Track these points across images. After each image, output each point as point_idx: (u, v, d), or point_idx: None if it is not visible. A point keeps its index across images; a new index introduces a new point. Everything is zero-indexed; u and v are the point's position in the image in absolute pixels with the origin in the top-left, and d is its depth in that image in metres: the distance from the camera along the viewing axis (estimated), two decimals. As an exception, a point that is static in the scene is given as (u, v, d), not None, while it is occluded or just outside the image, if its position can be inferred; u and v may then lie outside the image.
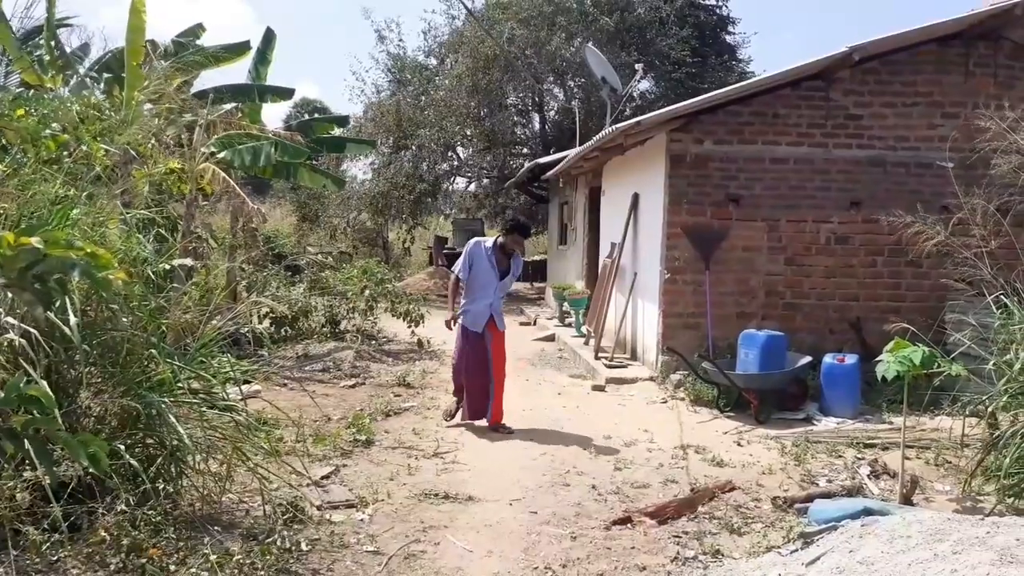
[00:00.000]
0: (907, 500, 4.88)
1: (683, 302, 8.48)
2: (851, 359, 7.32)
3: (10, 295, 1.91)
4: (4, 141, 4.47)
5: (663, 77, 19.62)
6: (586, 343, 10.83)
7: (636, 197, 9.71)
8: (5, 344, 3.81)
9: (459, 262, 6.88)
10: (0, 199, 4.09)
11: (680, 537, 4.43)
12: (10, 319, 3.64)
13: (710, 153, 8.36)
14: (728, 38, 21.16)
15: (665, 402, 7.89)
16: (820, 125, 8.38)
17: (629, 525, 4.62)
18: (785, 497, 4.97)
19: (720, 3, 20.91)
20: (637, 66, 15.15)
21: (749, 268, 8.48)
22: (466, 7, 17.95)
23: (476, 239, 7.11)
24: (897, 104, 8.43)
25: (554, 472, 5.62)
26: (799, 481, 5.45)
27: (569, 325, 12.79)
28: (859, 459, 5.93)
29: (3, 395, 1.91)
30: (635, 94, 19.24)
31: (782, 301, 8.52)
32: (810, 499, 4.86)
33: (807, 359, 7.49)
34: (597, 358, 9.63)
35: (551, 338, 12.25)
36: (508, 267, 6.86)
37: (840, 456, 6.04)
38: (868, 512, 4.19)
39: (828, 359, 7.37)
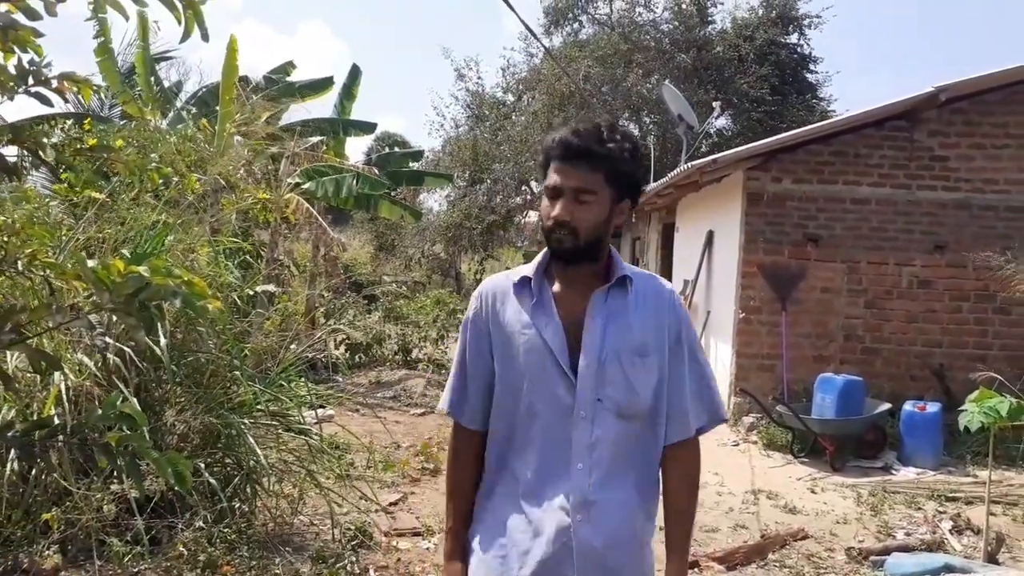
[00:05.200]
0: (992, 558, 4.65)
1: (758, 343, 8.32)
2: (933, 407, 7.05)
3: (115, 318, 2.05)
4: (109, 171, 4.77)
5: (741, 115, 19.45)
6: (656, 381, 10.70)
7: (711, 234, 9.62)
8: (100, 362, 4.05)
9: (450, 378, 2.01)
10: (103, 225, 4.37)
11: (749, 584, 4.34)
12: (107, 339, 3.87)
13: (788, 192, 8.24)
14: (810, 76, 20.83)
15: (737, 445, 7.73)
16: (904, 166, 8.18)
17: (696, 570, 4.54)
18: (860, 548, 4.80)
19: (802, 41, 20.67)
20: (714, 104, 15.08)
21: (827, 310, 8.28)
22: (544, 47, 18.23)
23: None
24: (986, 146, 8.17)
25: (620, 511, 5.56)
26: (875, 532, 5.26)
27: (639, 362, 12.66)
28: (940, 512, 5.68)
29: (101, 412, 2.04)
30: (712, 131, 19.14)
31: (861, 345, 8.28)
32: (887, 552, 4.69)
33: (886, 406, 7.24)
34: (667, 396, 9.49)
35: (620, 374, 12.14)
36: (634, 323, 1.84)
37: (920, 508, 5.80)
38: (949, 569, 4.03)
39: (908, 407, 7.11)
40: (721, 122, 20.15)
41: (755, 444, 7.66)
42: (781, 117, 18.46)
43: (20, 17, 1.87)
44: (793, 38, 20.52)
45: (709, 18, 20.32)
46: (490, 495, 1.91)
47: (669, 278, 12.27)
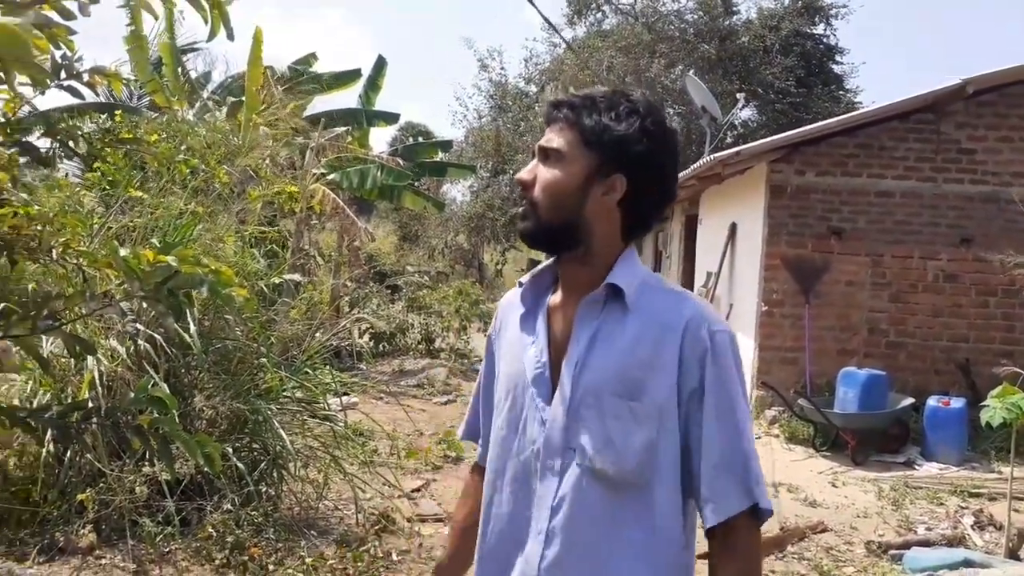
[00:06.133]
0: (1013, 554, 4.64)
1: (780, 336, 8.30)
2: (957, 403, 7.00)
3: (145, 305, 2.12)
4: (139, 162, 4.88)
5: (766, 106, 19.31)
6: (677, 373, 10.69)
7: (734, 227, 9.59)
8: (132, 349, 4.16)
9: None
10: (133, 216, 4.47)
11: None
12: (139, 326, 3.97)
13: (812, 184, 8.20)
14: (836, 68, 20.62)
15: (759, 438, 7.72)
16: (929, 159, 8.10)
17: (714, 559, 4.57)
18: (880, 542, 4.81)
19: (828, 32, 20.45)
20: (738, 95, 14.99)
21: (851, 303, 8.24)
22: (563, 39, 18.22)
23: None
24: (1014, 139, 8.06)
25: (640, 501, 5.60)
26: (896, 527, 5.26)
27: (661, 354, 12.64)
28: (962, 508, 5.66)
29: (134, 395, 2.12)
30: (736, 122, 19.01)
31: (885, 339, 8.23)
32: (907, 546, 4.70)
33: (909, 400, 7.20)
34: (688, 388, 9.49)
35: (642, 366, 12.15)
36: (626, 354, 1.37)
37: (942, 504, 5.79)
38: (968, 564, 4.04)
39: (932, 401, 7.07)
40: (746, 113, 20.02)
41: (776, 437, 7.66)
42: (806, 108, 18.30)
43: (55, 16, 1.94)
44: (819, 29, 20.32)
45: (734, 8, 20.18)
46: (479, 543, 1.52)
47: (692, 270, 12.23)
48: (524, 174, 1.44)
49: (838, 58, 20.56)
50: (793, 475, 6.41)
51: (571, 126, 1.40)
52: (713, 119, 12.68)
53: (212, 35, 1.98)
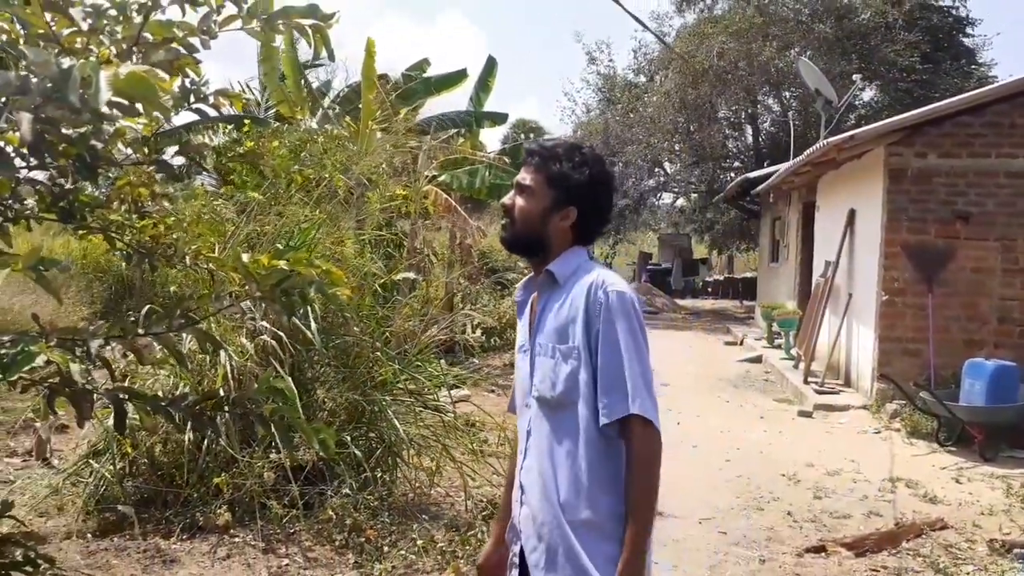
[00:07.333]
0: None
1: (902, 326, 7.97)
2: (1101, 396, 6.54)
3: (264, 305, 2.37)
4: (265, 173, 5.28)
5: (888, 85, 18.35)
6: (795, 366, 10.43)
7: (852, 213, 9.26)
8: (260, 344, 4.52)
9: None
10: (263, 221, 4.85)
11: (878, 571, 4.26)
12: (264, 323, 4.32)
13: (934, 167, 7.82)
14: (966, 41, 19.32)
15: (878, 432, 7.47)
16: (1067, 136, 7.57)
17: (823, 554, 4.51)
18: (1004, 540, 4.60)
19: (957, 3, 19.18)
20: (855, 77, 14.34)
21: (979, 291, 7.81)
22: (661, 40, 17.98)
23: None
24: None
25: (748, 495, 5.56)
26: (1024, 525, 5.00)
27: (778, 346, 12.35)
28: (1103, 507, 5.31)
29: (257, 386, 2.37)
30: (857, 103, 18.19)
31: (1019, 329, 7.75)
32: (1034, 545, 4.47)
33: (1046, 394, 6.78)
34: (806, 382, 9.27)
35: (758, 359, 11.92)
36: (558, 315, 1.93)
37: (1079, 502, 5.44)
38: (1100, 563, 3.82)
39: (1072, 395, 6.63)
40: (868, 95, 19.11)
41: (898, 432, 7.37)
42: (933, 86, 17.27)
43: (181, 50, 2.20)
44: (946, 0, 19.13)
45: (851, -16, 19.28)
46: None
47: (809, 259, 11.87)
48: (507, 200, 1.99)
49: (968, 30, 19.30)
50: (913, 470, 6.18)
51: (539, 170, 1.94)
52: (828, 102, 12.23)
53: (316, 55, 2.22)
